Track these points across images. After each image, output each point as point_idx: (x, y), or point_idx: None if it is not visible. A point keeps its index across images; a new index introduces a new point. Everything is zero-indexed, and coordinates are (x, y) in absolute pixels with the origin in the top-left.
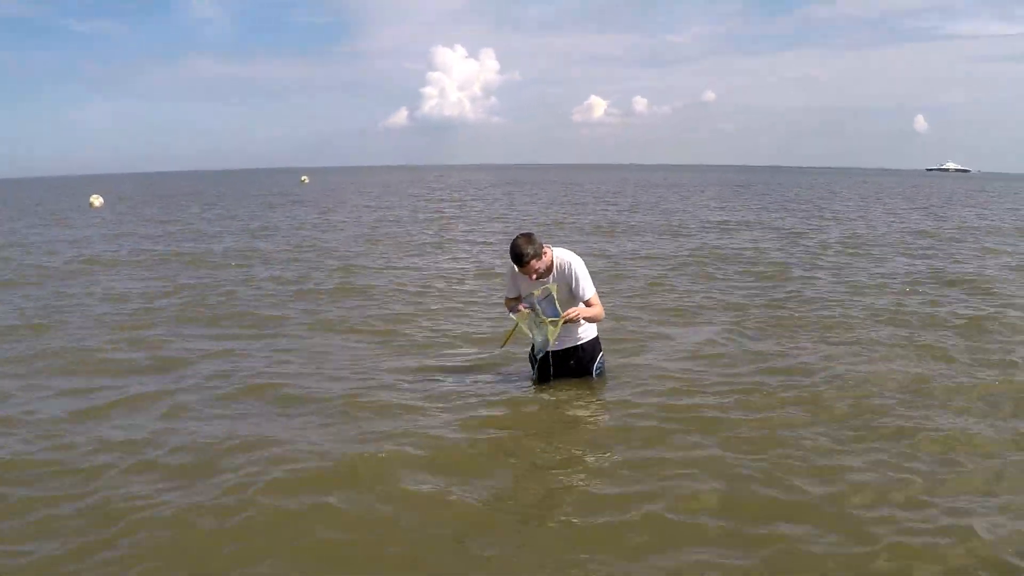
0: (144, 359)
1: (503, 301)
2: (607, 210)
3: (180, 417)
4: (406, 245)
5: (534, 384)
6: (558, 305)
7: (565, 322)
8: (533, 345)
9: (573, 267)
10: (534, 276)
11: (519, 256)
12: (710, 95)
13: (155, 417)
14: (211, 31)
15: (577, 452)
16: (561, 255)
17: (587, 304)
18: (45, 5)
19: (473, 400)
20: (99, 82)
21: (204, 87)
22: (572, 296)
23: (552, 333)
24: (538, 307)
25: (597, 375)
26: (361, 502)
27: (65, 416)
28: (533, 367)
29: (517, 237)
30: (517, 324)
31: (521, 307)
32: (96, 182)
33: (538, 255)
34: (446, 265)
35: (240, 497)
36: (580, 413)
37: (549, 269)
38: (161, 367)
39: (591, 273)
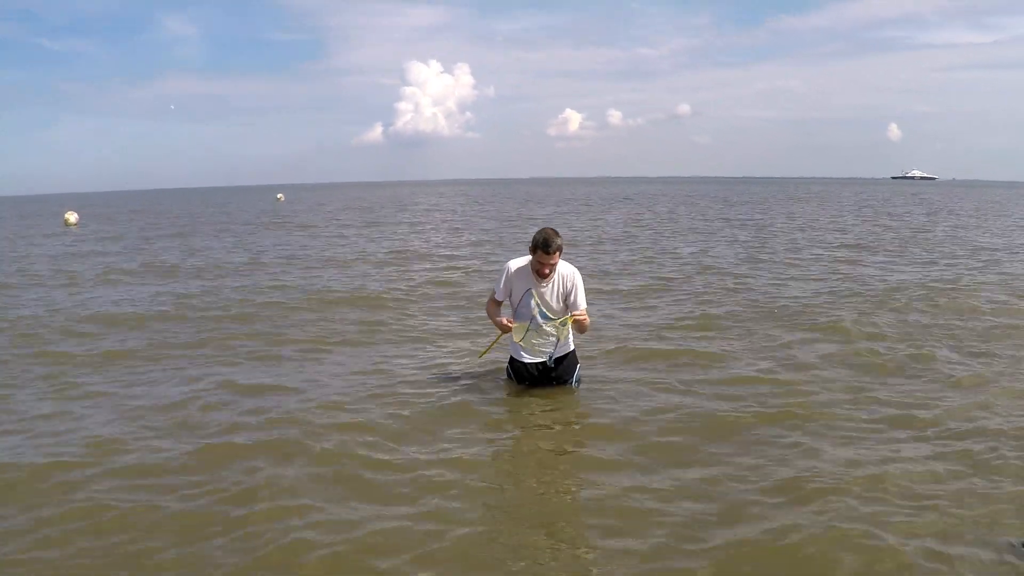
0: None
1: (486, 309)
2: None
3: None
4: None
5: (513, 389)
6: (550, 313)
7: (570, 323)
8: (511, 358)
9: (575, 278)
10: (547, 270)
11: (548, 243)
12: (684, 108)
13: None
14: (186, 50)
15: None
16: (562, 265)
17: None
18: (18, 24)
19: (468, 416)
20: (73, 101)
21: (180, 105)
22: (564, 306)
23: (563, 332)
24: (538, 317)
25: (576, 383)
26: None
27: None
28: (511, 379)
29: (545, 228)
30: (499, 337)
31: (511, 321)
32: (69, 201)
33: (562, 248)
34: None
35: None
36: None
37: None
38: None
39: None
